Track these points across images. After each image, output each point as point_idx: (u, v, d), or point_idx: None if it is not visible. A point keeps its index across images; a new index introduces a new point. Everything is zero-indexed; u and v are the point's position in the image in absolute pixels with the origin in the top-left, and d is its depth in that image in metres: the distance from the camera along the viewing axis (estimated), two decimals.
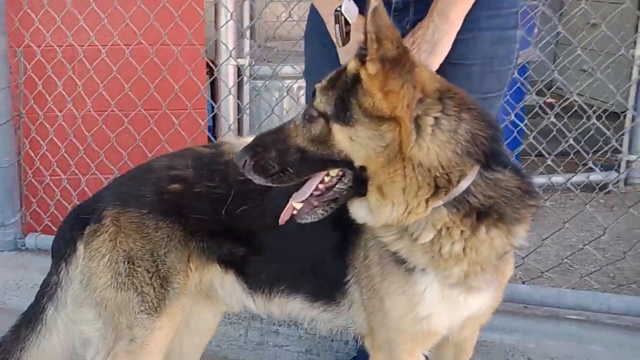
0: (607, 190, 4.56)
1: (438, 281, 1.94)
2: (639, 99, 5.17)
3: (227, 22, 3.90)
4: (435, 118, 1.77)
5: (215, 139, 4.19)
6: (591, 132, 4.28)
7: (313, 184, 1.89)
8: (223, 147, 2.31)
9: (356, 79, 1.79)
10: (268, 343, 3.25)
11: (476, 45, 2.30)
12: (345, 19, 2.15)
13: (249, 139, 2.29)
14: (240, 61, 4.22)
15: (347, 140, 1.79)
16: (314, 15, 2.47)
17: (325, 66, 2.44)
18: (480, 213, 1.84)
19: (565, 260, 3.35)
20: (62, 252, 2.30)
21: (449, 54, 2.21)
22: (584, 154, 3.66)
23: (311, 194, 1.89)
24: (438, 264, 1.89)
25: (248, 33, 4.32)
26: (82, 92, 3.64)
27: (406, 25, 2.30)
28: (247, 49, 4.38)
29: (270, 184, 1.91)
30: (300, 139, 1.86)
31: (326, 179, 1.87)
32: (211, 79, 3.88)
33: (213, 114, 3.89)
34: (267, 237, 2.20)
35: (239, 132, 4.34)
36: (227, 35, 4.13)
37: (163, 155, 2.41)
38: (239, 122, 4.32)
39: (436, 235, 1.86)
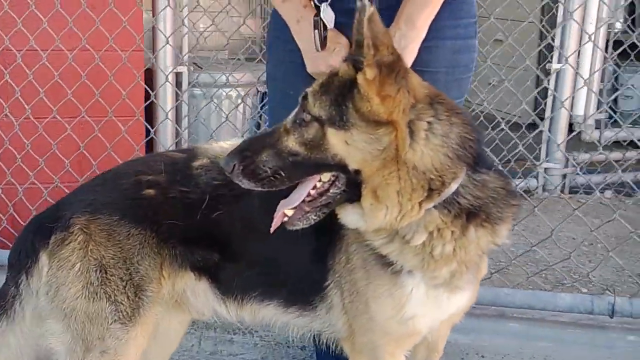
0: (528, 195, 4.82)
1: (424, 282, 1.98)
2: (555, 110, 5.48)
3: (174, 32, 3.82)
4: (429, 123, 1.83)
5: (152, 148, 4.10)
6: (512, 142, 4.49)
7: (304, 190, 1.90)
8: (195, 152, 2.27)
9: (351, 84, 1.82)
10: (222, 352, 3.21)
11: (439, 53, 2.38)
12: (324, 24, 2.18)
13: (223, 144, 2.29)
14: (179, 69, 4.16)
15: (342, 143, 1.81)
16: (278, 22, 2.48)
17: (290, 72, 2.48)
18: (469, 213, 1.90)
19: (513, 261, 3.51)
20: (22, 263, 2.19)
21: (414, 61, 2.27)
22: (533, 160, 3.86)
23: (303, 200, 1.90)
24: (428, 265, 1.93)
25: (187, 41, 4.27)
26: (20, 97, 3.47)
27: None
28: (185, 57, 4.33)
29: (260, 189, 1.90)
30: (292, 142, 1.87)
31: (318, 184, 1.88)
32: (160, 86, 3.79)
33: (161, 122, 3.81)
34: (242, 243, 2.18)
35: (177, 139, 4.27)
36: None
37: (132, 161, 2.36)
38: (177, 129, 4.25)
39: (428, 237, 1.90)
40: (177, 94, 4.19)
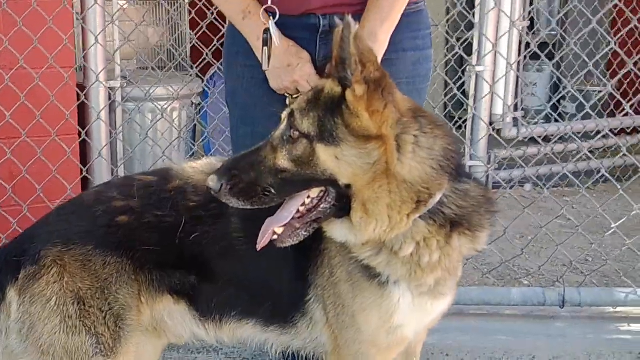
0: None
1: (410, 291, 2.02)
2: (477, 109, 5.69)
3: (122, 45, 3.69)
4: (415, 136, 1.87)
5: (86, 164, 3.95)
6: None
7: (294, 207, 1.90)
8: (168, 174, 2.23)
9: (339, 100, 1.85)
10: None
11: (400, 64, 2.44)
12: (271, 41, 2.20)
13: (194, 164, 2.26)
14: (112, 83, 4.03)
15: (332, 159, 1.84)
16: (236, 37, 2.46)
17: (252, 87, 2.48)
18: (453, 222, 1.96)
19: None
20: None
21: None
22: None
23: (292, 217, 1.90)
24: (415, 275, 1.98)
25: (119, 55, 4.14)
26: None
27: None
28: (117, 71, 4.20)
29: (250, 207, 1.90)
30: (280, 160, 1.88)
31: (307, 200, 1.90)
32: (109, 102, 3.66)
33: (111, 139, 3.68)
34: (220, 263, 2.16)
35: (112, 156, 4.13)
36: (97, 58, 3.93)
37: (103, 186, 2.28)
38: (112, 145, 4.12)
39: (415, 247, 1.95)
40: (110, 110, 4.07)
